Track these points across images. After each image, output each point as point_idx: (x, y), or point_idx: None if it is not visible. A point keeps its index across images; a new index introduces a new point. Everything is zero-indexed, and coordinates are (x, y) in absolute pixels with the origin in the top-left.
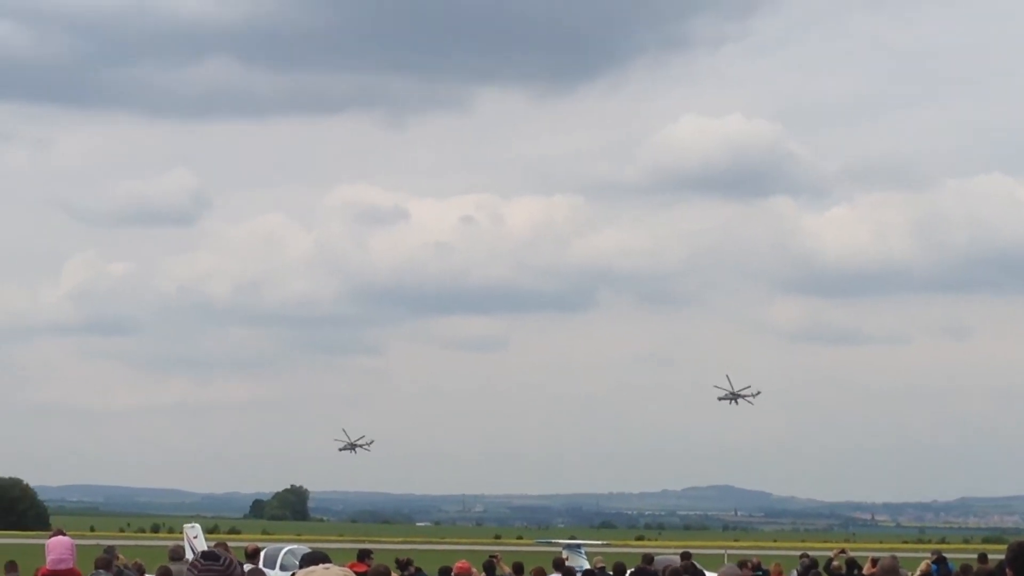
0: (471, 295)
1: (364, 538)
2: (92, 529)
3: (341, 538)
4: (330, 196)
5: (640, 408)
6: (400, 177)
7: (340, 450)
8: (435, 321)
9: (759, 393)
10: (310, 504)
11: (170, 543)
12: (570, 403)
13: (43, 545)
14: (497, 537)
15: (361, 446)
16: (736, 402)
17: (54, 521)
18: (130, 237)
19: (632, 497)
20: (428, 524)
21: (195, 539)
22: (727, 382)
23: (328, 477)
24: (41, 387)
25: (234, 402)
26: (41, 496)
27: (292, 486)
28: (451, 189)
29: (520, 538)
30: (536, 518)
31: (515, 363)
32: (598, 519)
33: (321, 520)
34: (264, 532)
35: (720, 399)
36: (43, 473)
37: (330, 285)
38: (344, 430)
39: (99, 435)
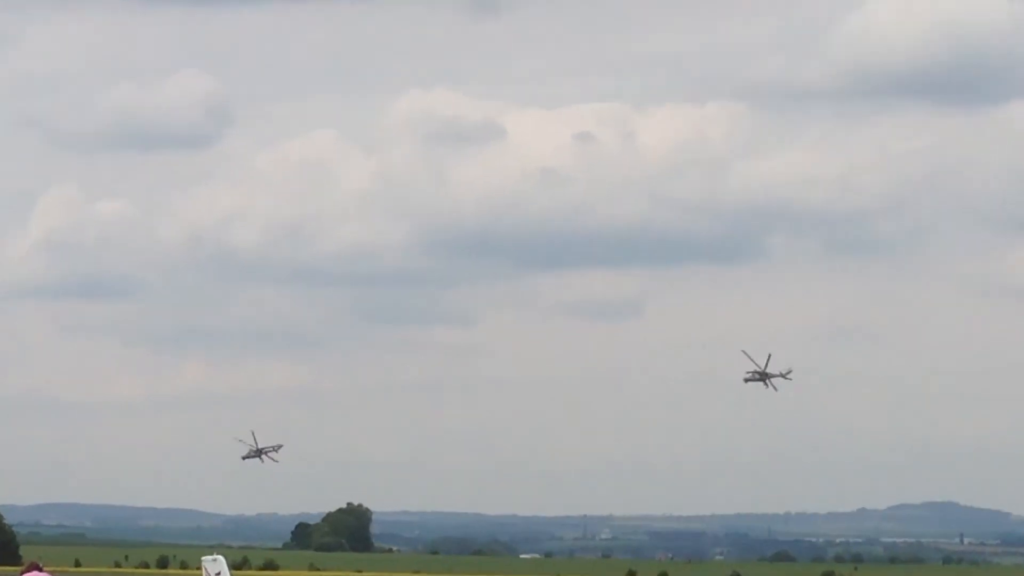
0: (592, 242)
1: (446, 575)
2: (78, 564)
3: (416, 575)
4: (395, 107)
5: (827, 398)
6: (492, 80)
7: (244, 458)
8: (542, 278)
9: (789, 372)
10: (373, 529)
11: None
12: (728, 392)
13: None
14: (631, 574)
15: (268, 454)
16: (768, 384)
17: (26, 552)
18: (123, 165)
19: (818, 519)
20: (536, 556)
21: None
22: (747, 359)
23: (397, 493)
24: (4, 371)
25: (268, 390)
26: (9, 519)
27: (349, 505)
28: (563, 96)
29: (663, 575)
30: (685, 547)
31: (652, 335)
32: (771, 548)
33: (389, 551)
34: (311, 567)
35: (747, 380)
36: (11, 488)
37: (396, 230)
38: (253, 432)
39: (86, 437)
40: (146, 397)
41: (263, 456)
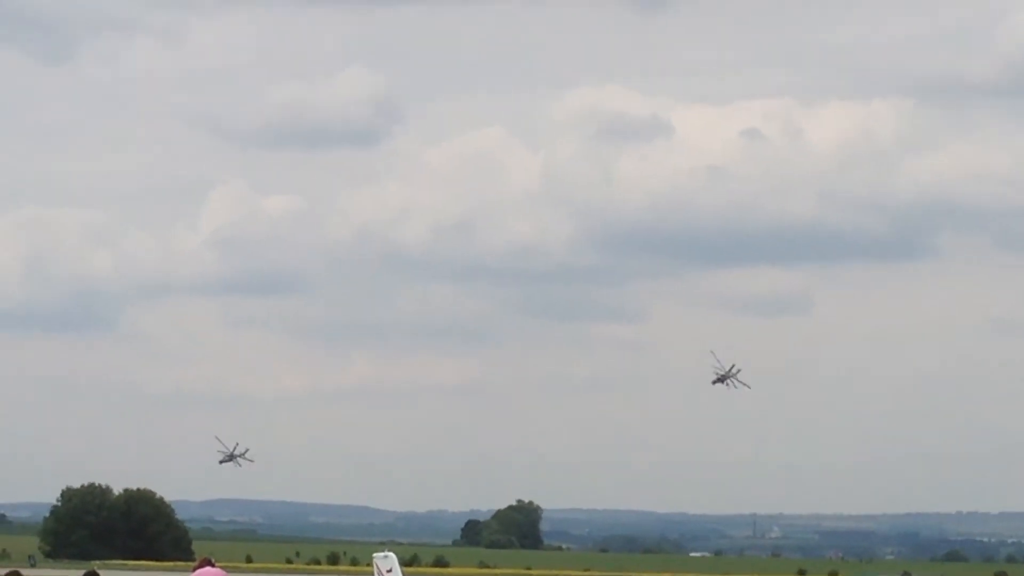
0: (759, 239)
1: (616, 573)
2: (249, 560)
3: (585, 573)
4: (562, 104)
5: (996, 395)
6: (658, 76)
7: (220, 463)
8: (710, 275)
9: (738, 370)
10: (543, 527)
11: None
12: (900, 387)
13: None
14: (801, 572)
15: (242, 456)
16: (728, 384)
17: (199, 549)
18: (291, 162)
19: (991, 519)
20: (706, 555)
21: (388, 573)
22: (714, 359)
23: (567, 490)
24: (176, 366)
25: (436, 386)
26: (180, 515)
27: (518, 502)
28: (729, 92)
29: (834, 574)
30: (856, 546)
31: (821, 332)
32: (942, 548)
33: (558, 548)
34: (481, 564)
35: (714, 382)
36: (182, 484)
37: (564, 226)
38: (218, 437)
39: (256, 432)
40: (315, 392)
41: (235, 459)
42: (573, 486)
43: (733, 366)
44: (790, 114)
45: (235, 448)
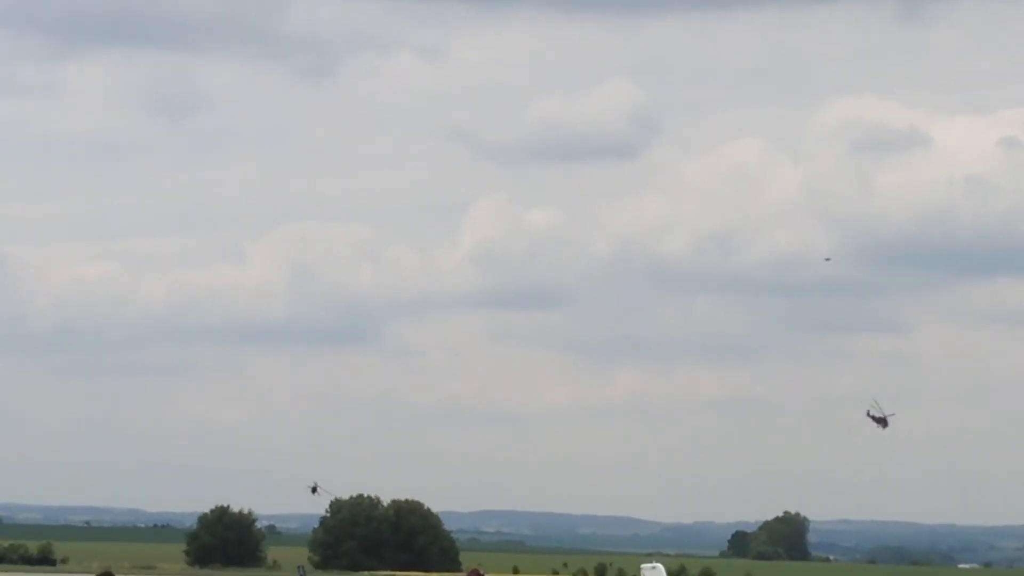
0: (1020, 250)
1: None
2: (516, 571)
3: None
4: (820, 115)
5: None
6: (917, 87)
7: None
8: (974, 286)
9: (893, 415)
10: (810, 538)
11: None
12: None
13: None
14: None
15: (321, 489)
16: (883, 427)
17: (466, 559)
18: (551, 175)
19: None
20: (975, 566)
21: None
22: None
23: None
24: (439, 379)
25: (701, 399)
26: (448, 526)
27: (785, 513)
28: (989, 103)
29: None
30: None
31: None
32: None
33: (826, 560)
34: (748, 575)
35: (870, 415)
36: (450, 495)
37: (826, 237)
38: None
39: (522, 445)
40: (580, 405)
41: (318, 490)
42: (840, 497)
43: (893, 414)
44: None
45: (315, 484)
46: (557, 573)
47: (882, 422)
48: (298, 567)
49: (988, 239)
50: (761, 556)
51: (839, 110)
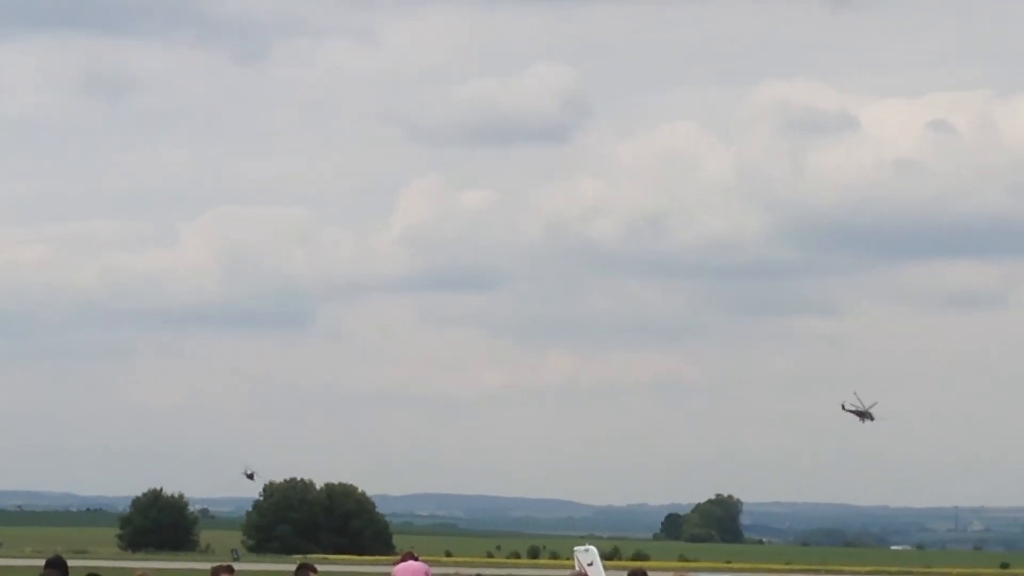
0: (950, 232)
1: (819, 566)
2: (448, 554)
3: (787, 567)
4: (752, 97)
5: None
6: (848, 71)
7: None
8: (904, 268)
9: (874, 404)
10: (743, 520)
11: (561, 572)
12: None
13: (387, 575)
14: (1004, 566)
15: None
16: (864, 420)
17: (400, 542)
18: (484, 158)
19: None
20: (908, 548)
21: (590, 567)
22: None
23: (767, 484)
24: (373, 362)
25: (634, 382)
26: (382, 509)
27: (718, 496)
28: (918, 85)
29: None
30: None
31: (1016, 325)
32: None
33: (759, 542)
34: (681, 557)
35: (846, 409)
36: (383, 479)
37: (758, 220)
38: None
39: (454, 428)
40: (513, 388)
41: (254, 476)
42: (774, 480)
43: (874, 404)
44: (981, 107)
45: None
46: (491, 556)
47: (865, 415)
48: (231, 551)
49: (919, 221)
50: (694, 538)
51: (771, 93)
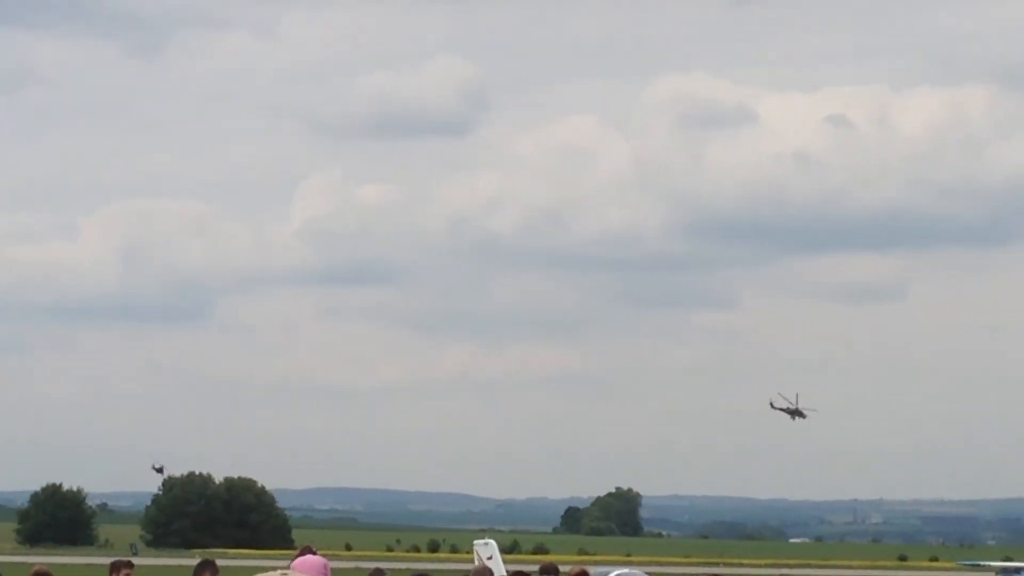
0: (849, 225)
1: (717, 559)
2: (348, 548)
3: (686, 560)
4: (651, 91)
5: None
6: (746, 65)
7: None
8: (802, 261)
9: (797, 397)
10: (643, 513)
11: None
12: (998, 372)
13: (285, 568)
14: (902, 559)
15: (162, 470)
16: (795, 417)
17: (299, 536)
18: (384, 151)
19: None
20: (806, 541)
21: (489, 560)
22: (780, 397)
23: (667, 477)
24: (271, 355)
25: (533, 375)
26: (281, 503)
27: (618, 489)
28: (815, 80)
29: (935, 559)
30: (957, 532)
31: (915, 318)
32: None
33: (659, 535)
34: (581, 551)
35: (774, 407)
36: (283, 472)
37: (656, 213)
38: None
39: (353, 421)
40: (411, 381)
41: (163, 470)
42: (673, 473)
43: (797, 397)
44: (877, 101)
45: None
46: (391, 550)
47: (796, 413)
48: (130, 545)
49: (817, 215)
50: (594, 531)
51: (670, 87)
